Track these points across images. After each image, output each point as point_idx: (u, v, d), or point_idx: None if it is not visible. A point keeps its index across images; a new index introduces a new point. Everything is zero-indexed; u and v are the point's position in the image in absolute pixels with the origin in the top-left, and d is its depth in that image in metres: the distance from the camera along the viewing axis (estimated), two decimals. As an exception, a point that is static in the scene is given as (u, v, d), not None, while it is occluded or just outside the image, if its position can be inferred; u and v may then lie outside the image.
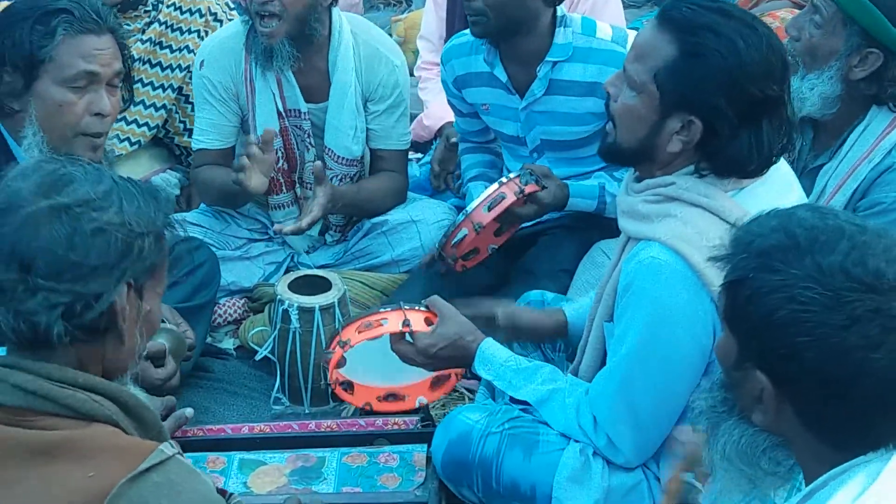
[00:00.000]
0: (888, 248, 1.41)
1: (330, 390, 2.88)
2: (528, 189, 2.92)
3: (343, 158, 3.32)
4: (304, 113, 3.28)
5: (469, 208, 2.88)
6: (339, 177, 3.34)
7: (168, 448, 1.50)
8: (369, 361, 2.56)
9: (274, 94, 3.24)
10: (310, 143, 3.31)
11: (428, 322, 2.44)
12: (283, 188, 3.36)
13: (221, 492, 1.62)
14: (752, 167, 2.09)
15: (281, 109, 3.26)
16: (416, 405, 2.64)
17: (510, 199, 2.89)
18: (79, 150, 2.44)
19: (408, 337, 2.44)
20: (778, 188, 2.16)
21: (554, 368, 2.37)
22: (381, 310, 2.48)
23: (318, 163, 3.16)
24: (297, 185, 3.36)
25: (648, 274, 2.09)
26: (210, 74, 3.25)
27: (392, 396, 2.65)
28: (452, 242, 2.92)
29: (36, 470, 1.46)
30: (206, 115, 3.30)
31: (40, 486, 1.45)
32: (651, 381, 2.15)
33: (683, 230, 2.07)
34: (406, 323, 2.41)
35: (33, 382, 1.49)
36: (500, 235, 3.13)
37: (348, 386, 2.63)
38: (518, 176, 2.93)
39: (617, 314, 2.20)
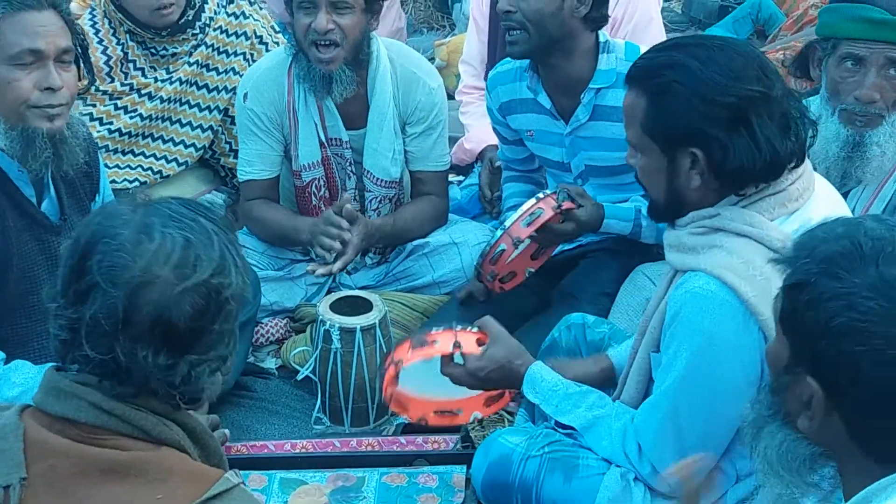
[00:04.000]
0: None
1: (372, 409, 2.91)
2: (565, 205, 2.93)
3: (381, 180, 3.34)
4: (346, 141, 3.31)
5: (507, 223, 2.89)
6: (378, 198, 3.37)
7: (233, 476, 1.53)
8: (425, 376, 2.57)
9: (316, 125, 3.27)
10: (351, 171, 3.35)
11: (479, 343, 2.44)
12: None
13: None
14: (758, 168, 2.07)
15: (323, 139, 3.29)
16: (471, 420, 2.64)
17: (548, 213, 2.89)
18: (33, 122, 2.44)
19: (457, 358, 2.45)
20: (826, 214, 2.14)
21: (601, 394, 2.37)
22: (434, 330, 2.49)
23: (348, 206, 3.17)
24: None
25: (695, 304, 2.09)
26: (254, 106, 3.28)
27: (447, 412, 2.64)
28: (490, 258, 2.92)
29: (106, 488, 1.48)
30: (253, 147, 3.33)
31: None
32: (697, 410, 2.15)
33: (729, 260, 2.07)
34: (457, 344, 2.42)
35: (109, 402, 1.52)
36: (536, 259, 3.14)
37: (403, 403, 2.63)
38: (555, 192, 2.94)
39: (664, 344, 2.20)
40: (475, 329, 2.48)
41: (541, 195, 2.93)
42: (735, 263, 2.06)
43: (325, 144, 3.30)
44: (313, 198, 3.37)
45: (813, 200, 2.15)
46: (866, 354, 1.37)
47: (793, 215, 2.12)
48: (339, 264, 3.09)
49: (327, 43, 3.08)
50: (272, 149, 3.33)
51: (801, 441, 1.50)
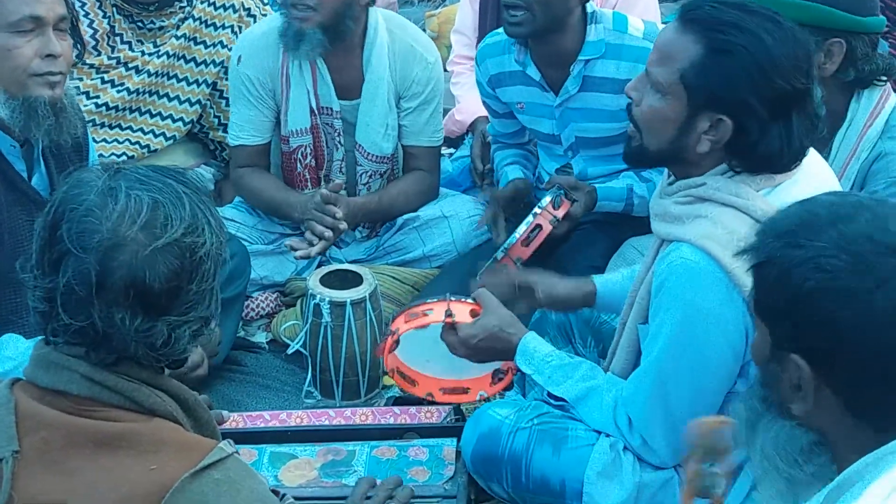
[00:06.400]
0: None
1: (363, 383, 2.92)
2: (561, 212, 2.95)
3: (373, 155, 3.34)
4: (336, 111, 3.30)
5: (507, 245, 2.92)
6: (368, 173, 3.36)
7: (227, 446, 1.52)
8: (432, 354, 2.58)
9: (308, 91, 3.26)
10: (339, 142, 3.34)
11: (473, 314, 2.46)
12: (309, 185, 3.39)
13: (275, 492, 1.64)
14: (783, 161, 2.09)
15: (314, 107, 3.28)
16: (477, 398, 2.65)
17: (546, 229, 2.93)
18: (35, 91, 2.44)
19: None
20: (813, 187, 2.14)
21: (593, 365, 2.38)
22: (428, 300, 2.52)
23: (331, 186, 3.19)
24: (323, 182, 3.39)
25: (679, 275, 2.09)
26: (247, 70, 3.28)
27: (455, 389, 2.65)
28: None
29: (98, 460, 1.48)
30: (244, 111, 3.33)
31: (102, 476, 1.48)
32: (684, 381, 2.16)
33: (714, 230, 2.08)
34: (449, 314, 2.44)
35: (100, 373, 1.52)
36: (527, 246, 3.14)
37: (410, 378, 2.65)
38: (550, 202, 2.95)
39: (650, 315, 2.21)
40: (470, 300, 2.49)
41: (537, 210, 2.94)
42: (719, 234, 2.06)
43: (316, 112, 3.29)
44: (298, 164, 3.37)
45: (800, 173, 2.15)
46: (840, 312, 1.38)
47: (778, 187, 2.12)
48: (318, 248, 3.10)
49: (301, 6, 3.08)
50: (263, 114, 3.33)
51: (796, 429, 1.51)
